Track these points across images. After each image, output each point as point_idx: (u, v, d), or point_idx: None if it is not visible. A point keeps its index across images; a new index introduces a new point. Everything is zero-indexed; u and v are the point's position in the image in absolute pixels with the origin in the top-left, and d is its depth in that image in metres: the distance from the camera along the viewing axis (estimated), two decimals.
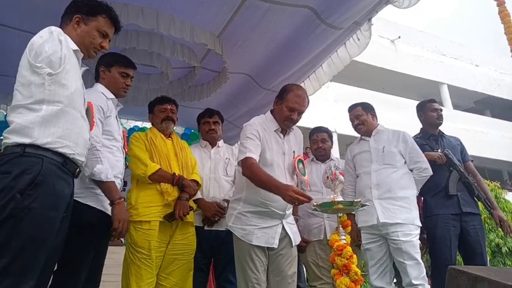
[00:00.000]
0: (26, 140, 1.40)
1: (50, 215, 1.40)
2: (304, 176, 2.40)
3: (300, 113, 2.34)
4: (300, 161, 2.39)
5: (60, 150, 1.46)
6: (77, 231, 1.80)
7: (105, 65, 2.25)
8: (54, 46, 1.50)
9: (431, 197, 2.98)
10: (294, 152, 2.40)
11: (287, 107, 2.30)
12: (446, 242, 2.84)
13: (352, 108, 3.09)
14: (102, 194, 1.97)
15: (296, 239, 2.35)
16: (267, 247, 2.26)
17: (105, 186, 1.94)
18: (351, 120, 3.07)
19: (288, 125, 2.38)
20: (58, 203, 1.44)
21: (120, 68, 2.26)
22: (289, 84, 2.48)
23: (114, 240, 2.49)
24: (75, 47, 1.60)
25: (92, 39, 1.69)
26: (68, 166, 1.51)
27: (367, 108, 3.03)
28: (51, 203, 1.40)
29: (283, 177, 2.27)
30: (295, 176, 2.40)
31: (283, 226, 2.29)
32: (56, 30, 1.55)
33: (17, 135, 1.41)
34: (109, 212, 1.98)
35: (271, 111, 2.43)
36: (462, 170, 2.99)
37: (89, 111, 1.68)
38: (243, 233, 2.24)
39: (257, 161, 2.18)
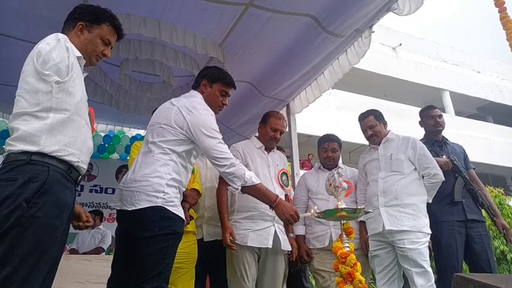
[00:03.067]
0: (32, 148, 1.38)
1: (54, 224, 1.38)
2: (287, 187, 2.70)
3: (281, 133, 2.76)
4: (284, 173, 2.72)
5: (66, 158, 1.45)
6: (173, 240, 1.84)
7: (208, 79, 2.21)
8: (61, 54, 1.48)
9: (436, 204, 2.94)
10: (277, 165, 2.72)
11: (271, 128, 2.72)
12: (452, 249, 2.78)
13: (364, 118, 2.97)
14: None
15: (285, 245, 2.52)
16: (258, 257, 2.47)
17: (258, 189, 2.01)
18: (363, 130, 2.97)
19: (272, 144, 2.76)
20: (62, 212, 1.42)
21: (222, 86, 2.21)
22: (269, 111, 2.91)
23: None
24: (79, 54, 1.58)
25: (94, 47, 1.67)
26: (72, 174, 1.50)
27: (379, 117, 2.95)
28: (56, 212, 1.39)
29: (270, 185, 2.51)
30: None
31: (275, 230, 2.47)
32: (62, 37, 1.53)
33: (23, 143, 1.38)
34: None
35: (256, 137, 2.83)
36: (467, 177, 2.96)
37: (90, 117, 1.66)
38: (238, 237, 2.39)
39: None
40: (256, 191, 2.03)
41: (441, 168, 2.85)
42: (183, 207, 2.50)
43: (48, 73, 1.43)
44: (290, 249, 2.60)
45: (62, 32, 1.61)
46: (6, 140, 1.43)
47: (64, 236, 1.47)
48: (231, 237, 2.35)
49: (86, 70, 1.68)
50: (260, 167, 2.59)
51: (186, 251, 2.53)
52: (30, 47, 1.54)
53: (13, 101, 1.48)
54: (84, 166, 1.56)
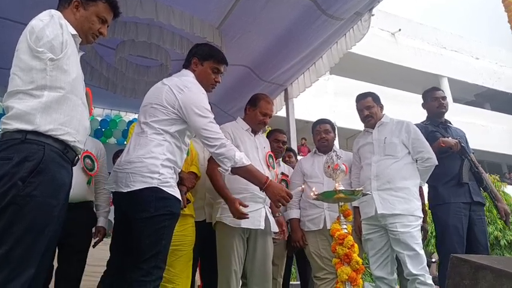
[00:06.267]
0: (28, 127, 1.37)
1: (50, 203, 1.38)
2: (274, 168, 2.72)
3: (270, 117, 2.72)
4: (270, 156, 2.72)
5: (62, 137, 1.44)
6: (169, 221, 1.83)
7: (198, 57, 2.16)
8: (55, 30, 1.45)
9: (442, 185, 2.94)
10: (264, 147, 2.71)
11: (261, 112, 2.65)
12: (458, 231, 2.80)
13: (361, 98, 2.97)
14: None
15: (274, 226, 2.55)
16: (247, 238, 2.47)
17: (249, 170, 1.97)
18: (360, 110, 2.96)
19: (261, 127, 2.73)
20: (58, 191, 1.42)
21: (214, 63, 2.16)
22: (259, 94, 2.81)
23: None
24: (74, 32, 1.56)
25: (91, 24, 1.64)
26: (68, 154, 1.49)
27: (377, 99, 2.95)
28: (52, 191, 1.38)
29: (260, 167, 2.46)
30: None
31: (266, 211, 2.49)
32: (56, 13, 1.50)
33: (19, 122, 1.37)
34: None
35: (242, 118, 2.76)
36: (473, 160, 2.97)
37: (87, 97, 1.64)
38: (230, 220, 2.38)
39: None
40: (246, 172, 1.99)
41: (450, 148, 2.85)
42: (181, 191, 2.51)
43: (42, 50, 1.41)
44: (278, 230, 2.63)
45: (57, 9, 1.57)
46: (1, 119, 1.41)
47: (61, 216, 1.47)
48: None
49: (82, 49, 1.65)
50: (250, 148, 2.56)
51: (184, 233, 2.55)
52: None
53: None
54: (80, 146, 1.55)
